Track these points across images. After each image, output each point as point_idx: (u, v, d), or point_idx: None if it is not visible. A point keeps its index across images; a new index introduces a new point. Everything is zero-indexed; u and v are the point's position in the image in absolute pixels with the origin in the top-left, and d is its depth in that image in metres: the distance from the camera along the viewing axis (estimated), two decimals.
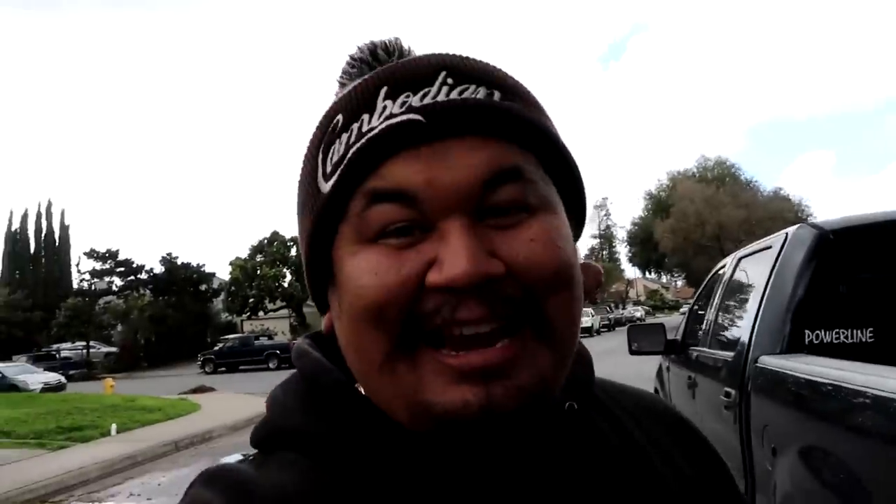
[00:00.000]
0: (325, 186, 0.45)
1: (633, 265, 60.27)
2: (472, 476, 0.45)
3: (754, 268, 3.24)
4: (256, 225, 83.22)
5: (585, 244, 69.29)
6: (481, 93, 0.45)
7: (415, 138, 0.43)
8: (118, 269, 39.83)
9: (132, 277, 40.13)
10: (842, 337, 2.57)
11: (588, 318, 32.68)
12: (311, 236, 0.47)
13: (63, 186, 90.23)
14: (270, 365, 26.95)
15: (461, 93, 0.44)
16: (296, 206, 0.51)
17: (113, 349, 37.12)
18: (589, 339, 26.20)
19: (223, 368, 28.75)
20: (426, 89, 0.44)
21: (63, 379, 23.40)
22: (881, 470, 1.64)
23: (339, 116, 0.46)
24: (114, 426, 10.77)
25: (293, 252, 38.80)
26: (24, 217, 47.06)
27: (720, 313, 3.69)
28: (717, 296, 3.88)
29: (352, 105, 0.46)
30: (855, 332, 2.57)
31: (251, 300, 38.28)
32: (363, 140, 0.44)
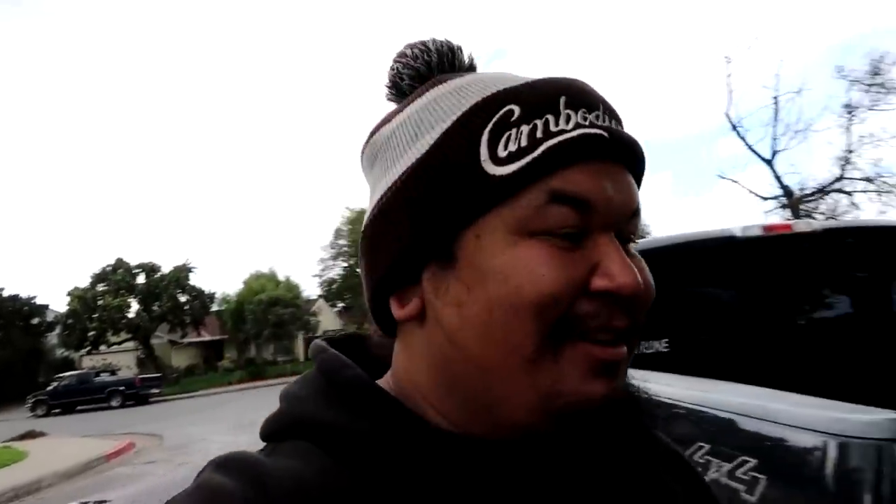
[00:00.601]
0: (498, 170, 0.45)
1: None
2: (492, 482, 0.46)
3: None
4: (97, 252, 77.05)
5: None
6: (621, 129, 0.50)
7: (597, 153, 0.46)
8: None
9: None
10: (641, 347, 2.87)
11: None
12: (448, 213, 0.46)
13: None
14: (113, 403, 24.93)
15: (615, 125, 0.49)
16: (410, 178, 0.48)
17: None
18: None
19: (58, 410, 26.15)
20: (596, 112, 0.47)
21: None
22: None
23: (514, 107, 0.47)
24: None
25: (141, 279, 36.37)
26: None
27: None
28: None
29: (531, 101, 0.47)
30: (652, 342, 2.88)
31: (91, 333, 35.24)
32: (557, 139, 0.45)
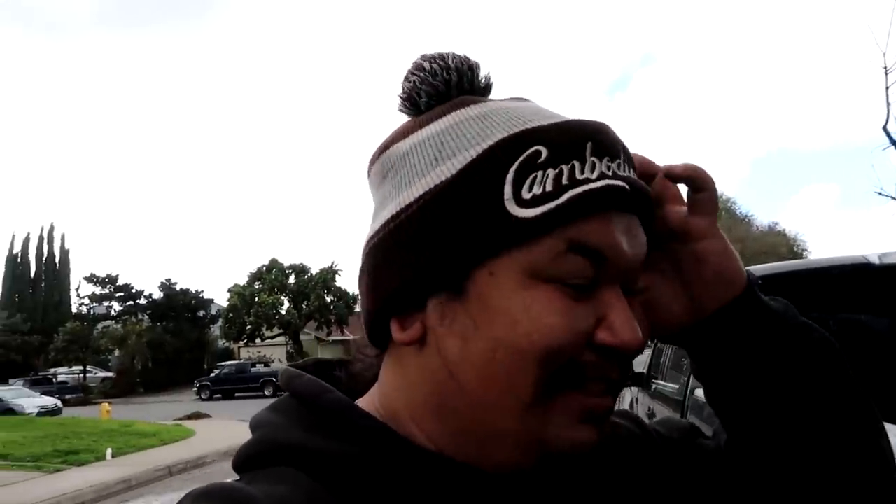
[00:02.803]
0: (521, 212, 0.44)
1: None
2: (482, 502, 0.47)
3: None
4: (255, 252, 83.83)
5: None
6: (636, 177, 0.49)
7: (617, 204, 0.46)
8: (117, 295, 39.98)
9: (131, 303, 40.27)
10: None
11: None
12: (465, 248, 0.45)
13: (65, 210, 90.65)
14: (266, 392, 26.92)
15: (633, 173, 0.49)
16: (428, 205, 0.47)
17: (109, 374, 37.10)
18: None
19: (219, 395, 28.73)
20: (618, 160, 0.47)
21: (59, 403, 23.45)
22: None
23: (542, 149, 0.45)
24: (109, 450, 10.97)
25: (291, 280, 39.03)
26: (26, 240, 47.33)
27: (674, 349, 4.00)
28: None
29: (559, 144, 0.46)
30: None
31: (248, 327, 38.37)
32: (583, 188, 0.45)
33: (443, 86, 0.52)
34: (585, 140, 0.46)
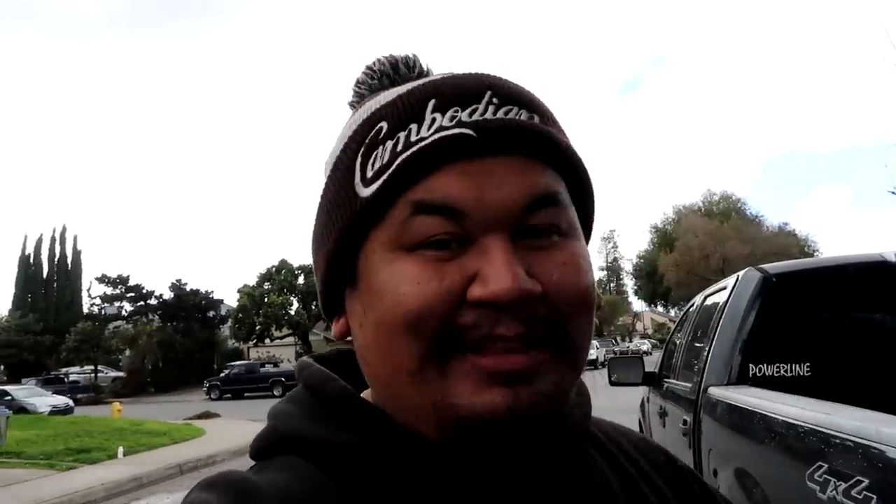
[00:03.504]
0: (365, 191, 0.45)
1: (639, 298, 60.12)
2: (477, 492, 0.45)
3: (713, 306, 3.54)
4: (265, 253, 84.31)
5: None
6: (524, 115, 0.46)
7: (464, 153, 0.43)
8: (128, 295, 40.19)
9: (142, 303, 40.48)
10: (782, 370, 2.84)
11: (594, 350, 32.56)
12: (339, 239, 0.46)
13: (77, 212, 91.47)
14: (275, 392, 27.00)
15: (506, 113, 0.45)
16: (318, 210, 0.50)
17: (120, 374, 37.32)
18: (593, 370, 26.14)
19: (228, 395, 28.84)
20: (474, 106, 0.45)
21: (71, 402, 23.61)
22: (795, 492, 1.84)
23: (384, 124, 0.46)
24: (121, 449, 11.01)
25: (301, 280, 39.13)
26: (39, 242, 47.73)
27: (686, 348, 3.98)
28: (686, 331, 4.17)
29: (398, 114, 0.45)
30: (794, 366, 2.85)
31: (258, 327, 38.53)
32: (413, 149, 0.44)
33: (368, 91, 0.53)
34: (428, 99, 0.46)
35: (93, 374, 35.94)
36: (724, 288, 3.37)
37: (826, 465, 1.63)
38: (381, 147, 0.45)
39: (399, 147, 0.44)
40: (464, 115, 0.44)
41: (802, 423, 1.84)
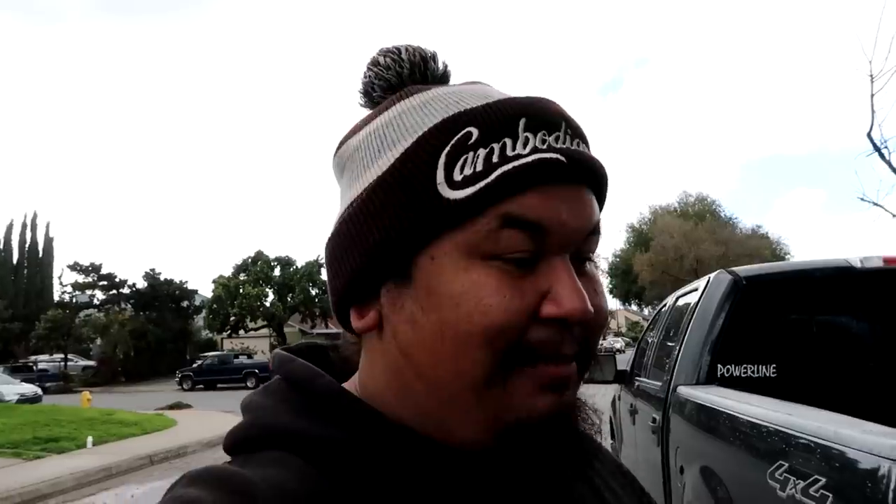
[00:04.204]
0: (452, 194, 0.45)
1: (614, 296, 60.66)
2: (482, 496, 0.47)
3: (685, 307, 3.60)
4: (240, 244, 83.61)
5: None
6: (585, 148, 0.49)
7: (553, 177, 0.46)
8: (100, 283, 39.56)
9: (114, 292, 39.86)
10: (749, 371, 2.91)
11: None
12: (405, 232, 0.46)
13: (49, 198, 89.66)
14: (248, 384, 26.79)
15: (577, 145, 0.48)
16: (369, 194, 0.48)
17: (91, 363, 36.76)
18: None
19: (201, 386, 28.54)
20: (557, 133, 0.47)
21: (39, 391, 23.20)
22: (756, 490, 1.90)
23: (473, 130, 0.46)
24: (90, 439, 10.88)
25: (276, 272, 38.92)
26: (9, 228, 46.68)
27: (658, 347, 4.04)
28: (658, 331, 4.23)
29: (490, 124, 0.46)
30: (761, 367, 2.91)
31: (232, 318, 38.27)
32: (514, 164, 0.45)
33: (396, 78, 0.53)
34: (518, 117, 0.47)
35: (62, 363, 35.35)
36: (696, 289, 3.42)
37: (786, 464, 1.69)
38: (471, 153, 0.45)
39: (495, 158, 0.45)
40: (551, 141, 0.47)
41: (765, 423, 1.89)
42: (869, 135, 8.12)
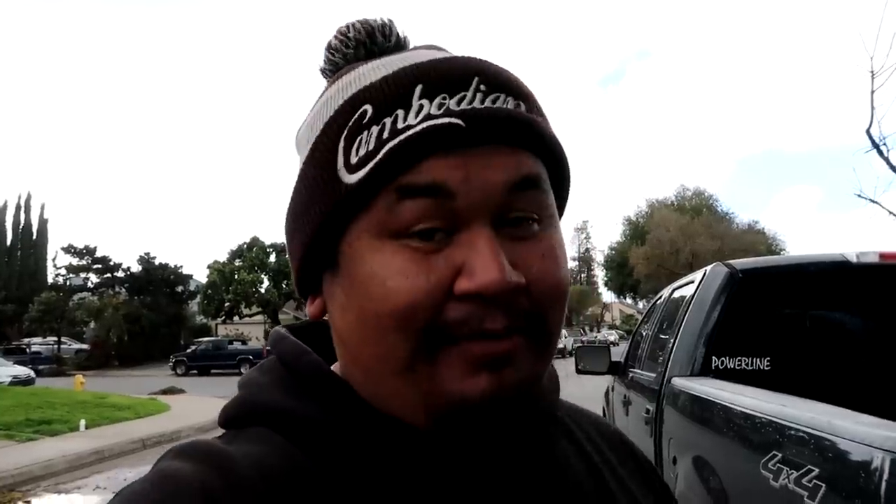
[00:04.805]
0: (350, 178, 0.44)
1: (609, 289, 60.82)
2: (448, 474, 0.46)
3: (680, 299, 3.61)
4: (236, 230, 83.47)
5: None
6: (510, 102, 0.45)
7: (452, 142, 0.43)
8: (95, 266, 39.46)
9: (108, 275, 39.76)
10: (744, 364, 2.92)
11: (562, 339, 32.69)
12: (320, 224, 0.46)
13: (44, 180, 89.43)
14: (242, 370, 26.68)
15: (494, 101, 0.45)
16: (295, 192, 0.49)
17: (84, 346, 36.74)
18: (562, 359, 26.44)
19: (195, 371, 28.58)
20: (462, 93, 0.44)
21: (32, 373, 23.16)
22: (749, 480, 1.91)
23: (368, 107, 0.45)
24: (83, 422, 10.87)
25: (272, 258, 38.82)
26: (3, 209, 46.47)
27: (653, 339, 4.06)
28: (653, 323, 4.25)
29: (383, 98, 0.44)
30: (755, 360, 2.93)
31: (227, 304, 38.17)
32: (400, 138, 0.43)
33: (342, 60, 0.52)
34: (414, 84, 0.45)
35: (56, 346, 35.30)
36: (692, 282, 3.43)
37: (780, 455, 1.69)
38: (365, 132, 0.44)
39: (385, 134, 0.43)
40: (452, 103, 0.44)
41: (759, 415, 1.90)
42: (868, 131, 8.12)
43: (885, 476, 1.28)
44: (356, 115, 0.45)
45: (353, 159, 0.44)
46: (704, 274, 3.24)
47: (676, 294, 3.85)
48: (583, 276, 74.63)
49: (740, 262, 3.20)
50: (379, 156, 0.43)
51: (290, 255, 0.51)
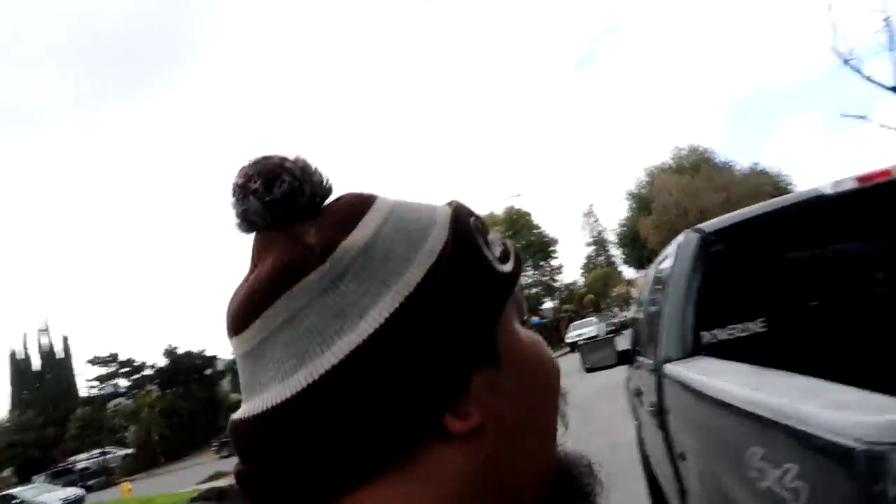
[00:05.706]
0: (504, 268, 0.48)
1: (628, 265, 60.32)
2: None
3: (662, 276, 3.36)
4: None
5: (581, 253, 69.25)
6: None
7: None
8: (122, 371, 39.71)
9: (137, 376, 39.99)
10: (737, 332, 2.66)
11: (593, 327, 32.22)
12: (483, 313, 0.45)
13: (57, 300, 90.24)
14: None
15: None
16: (411, 288, 0.44)
17: (129, 450, 36.82)
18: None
19: None
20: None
21: (81, 492, 23.22)
22: (745, 475, 1.72)
23: (473, 219, 0.49)
24: None
25: None
26: (25, 338, 47.16)
27: (647, 321, 3.81)
28: (645, 303, 4.01)
29: (477, 218, 0.50)
30: (748, 325, 2.66)
31: None
32: (514, 253, 0.51)
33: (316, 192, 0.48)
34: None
35: (101, 458, 35.32)
36: (667, 256, 3.20)
37: (761, 450, 1.44)
38: (485, 234, 0.49)
39: (498, 243, 0.51)
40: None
41: (734, 403, 1.65)
42: (833, 48, 7.88)
43: (863, 462, 1.03)
44: (474, 220, 0.49)
45: (497, 254, 0.49)
46: (678, 245, 3.00)
47: (658, 270, 3.62)
48: (601, 258, 74.04)
49: (710, 224, 2.98)
50: (513, 254, 0.50)
51: (415, 365, 0.43)
